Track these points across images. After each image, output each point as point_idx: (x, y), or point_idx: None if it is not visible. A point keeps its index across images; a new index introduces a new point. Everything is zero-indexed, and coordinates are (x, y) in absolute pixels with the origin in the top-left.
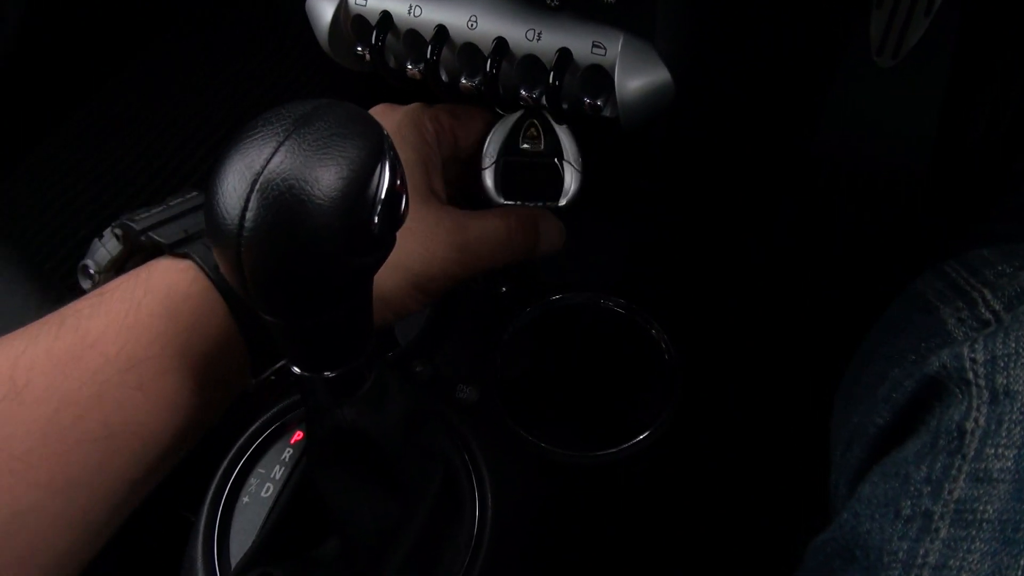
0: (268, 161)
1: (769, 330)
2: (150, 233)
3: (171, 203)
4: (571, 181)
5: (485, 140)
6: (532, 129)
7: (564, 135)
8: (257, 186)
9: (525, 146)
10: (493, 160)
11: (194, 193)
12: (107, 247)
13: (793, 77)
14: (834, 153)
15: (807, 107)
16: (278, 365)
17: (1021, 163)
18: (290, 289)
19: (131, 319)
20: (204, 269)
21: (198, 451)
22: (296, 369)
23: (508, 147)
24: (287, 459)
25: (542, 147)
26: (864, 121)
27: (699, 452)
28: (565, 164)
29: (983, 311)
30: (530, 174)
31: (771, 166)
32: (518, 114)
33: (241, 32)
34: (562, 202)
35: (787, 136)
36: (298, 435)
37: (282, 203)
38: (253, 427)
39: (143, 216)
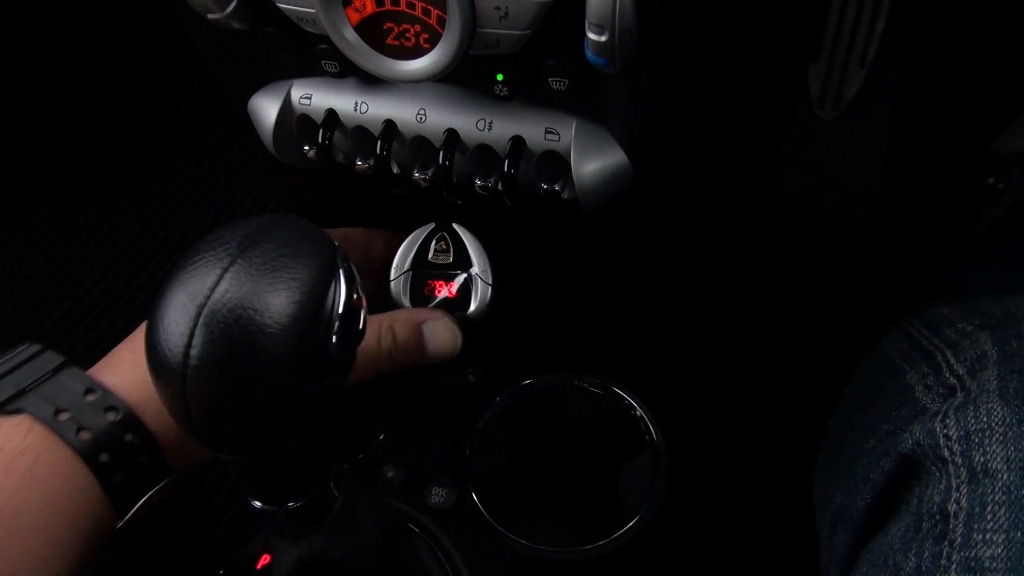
0: (212, 290)
1: (749, 394)
2: None
3: (0, 360)
4: (479, 293)
5: (396, 253)
6: (442, 243)
7: (474, 249)
8: (201, 319)
9: (434, 259)
10: (401, 271)
11: (25, 345)
12: None
13: (745, 139)
14: (789, 204)
15: (761, 163)
16: (146, 498)
17: (970, 206)
18: (243, 425)
19: None
20: (39, 419)
21: None
22: (257, 503)
23: (418, 259)
24: None
25: (451, 260)
26: (814, 172)
27: (690, 538)
28: (474, 276)
29: (947, 376)
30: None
31: (732, 223)
32: (430, 227)
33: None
34: (469, 311)
35: (744, 193)
36: (265, 559)
37: (230, 335)
38: (215, 552)
39: None
